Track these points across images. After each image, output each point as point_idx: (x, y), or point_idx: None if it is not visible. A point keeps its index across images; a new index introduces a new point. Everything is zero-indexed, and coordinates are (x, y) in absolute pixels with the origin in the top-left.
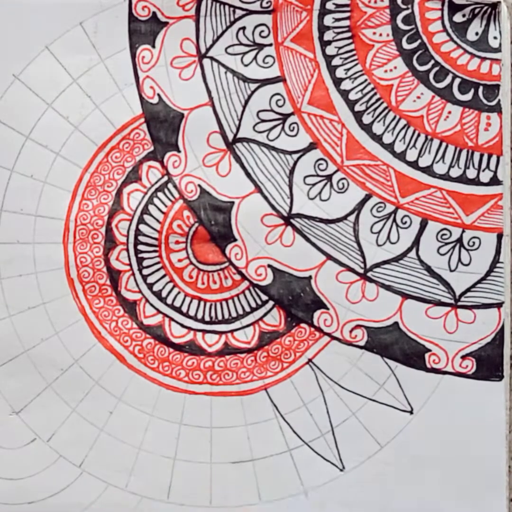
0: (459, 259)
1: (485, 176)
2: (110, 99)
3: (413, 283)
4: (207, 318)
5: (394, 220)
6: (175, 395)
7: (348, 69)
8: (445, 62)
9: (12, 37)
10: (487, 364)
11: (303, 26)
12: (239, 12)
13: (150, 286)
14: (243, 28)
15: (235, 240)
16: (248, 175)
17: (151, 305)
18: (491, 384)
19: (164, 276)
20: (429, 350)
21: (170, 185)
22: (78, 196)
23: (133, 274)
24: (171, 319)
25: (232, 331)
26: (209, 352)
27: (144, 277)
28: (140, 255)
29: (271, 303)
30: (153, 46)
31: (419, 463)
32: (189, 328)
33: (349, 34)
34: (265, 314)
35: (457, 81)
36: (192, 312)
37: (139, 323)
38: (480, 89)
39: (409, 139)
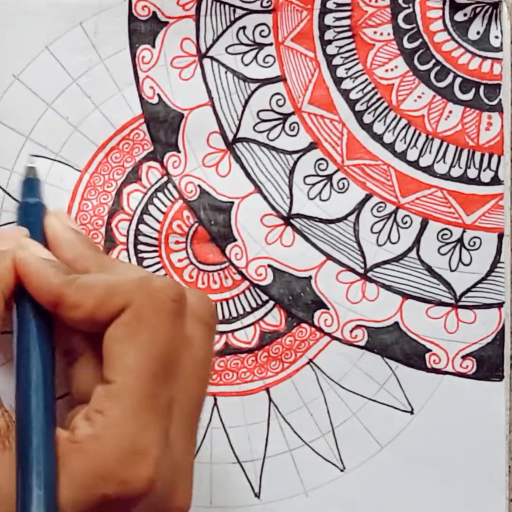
0: (460, 259)
1: (486, 176)
2: (110, 100)
3: (414, 283)
4: None
5: (395, 220)
6: None
7: (349, 69)
8: (446, 62)
9: (12, 37)
10: (487, 364)
11: (303, 25)
12: (239, 12)
13: None
14: (244, 27)
15: (235, 240)
16: (248, 175)
17: None
18: (491, 384)
19: (164, 276)
20: (430, 350)
21: (170, 185)
22: (77, 197)
23: None
24: None
25: (232, 331)
26: None
27: None
28: (140, 255)
29: (271, 303)
30: (153, 46)
31: (420, 463)
32: None
33: (349, 33)
34: (266, 314)
35: (458, 80)
36: None
37: None
38: (481, 88)
39: (409, 139)
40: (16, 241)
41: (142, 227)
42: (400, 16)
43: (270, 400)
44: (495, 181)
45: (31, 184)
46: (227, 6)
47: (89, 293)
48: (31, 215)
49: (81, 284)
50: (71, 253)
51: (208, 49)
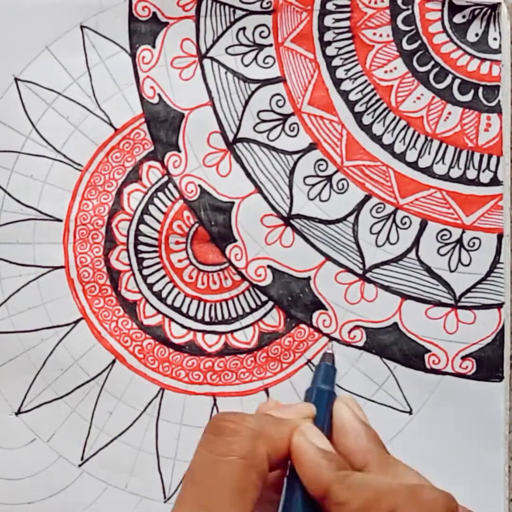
0: (459, 260)
1: (485, 177)
2: (110, 99)
3: (413, 284)
4: (207, 319)
5: (394, 220)
6: (175, 396)
7: (348, 70)
8: (445, 63)
9: (12, 37)
10: (487, 365)
11: (303, 26)
12: (239, 13)
13: (150, 286)
14: (243, 28)
15: (235, 240)
16: (248, 175)
17: (151, 305)
18: (491, 384)
19: (164, 276)
20: (429, 351)
21: (170, 185)
22: (78, 196)
23: (133, 274)
24: (171, 319)
25: (232, 332)
26: (209, 352)
27: (144, 278)
28: (140, 255)
29: (270, 303)
30: (153, 46)
31: (419, 463)
32: (189, 329)
33: (349, 35)
34: (265, 315)
35: (457, 82)
36: (192, 313)
37: (139, 324)
38: (480, 90)
39: (409, 140)
40: (300, 415)
41: (142, 227)
42: (399, 18)
43: None
44: (494, 182)
45: (328, 371)
46: (227, 7)
47: (358, 494)
48: (321, 399)
49: (352, 483)
50: (355, 445)
51: (208, 50)
